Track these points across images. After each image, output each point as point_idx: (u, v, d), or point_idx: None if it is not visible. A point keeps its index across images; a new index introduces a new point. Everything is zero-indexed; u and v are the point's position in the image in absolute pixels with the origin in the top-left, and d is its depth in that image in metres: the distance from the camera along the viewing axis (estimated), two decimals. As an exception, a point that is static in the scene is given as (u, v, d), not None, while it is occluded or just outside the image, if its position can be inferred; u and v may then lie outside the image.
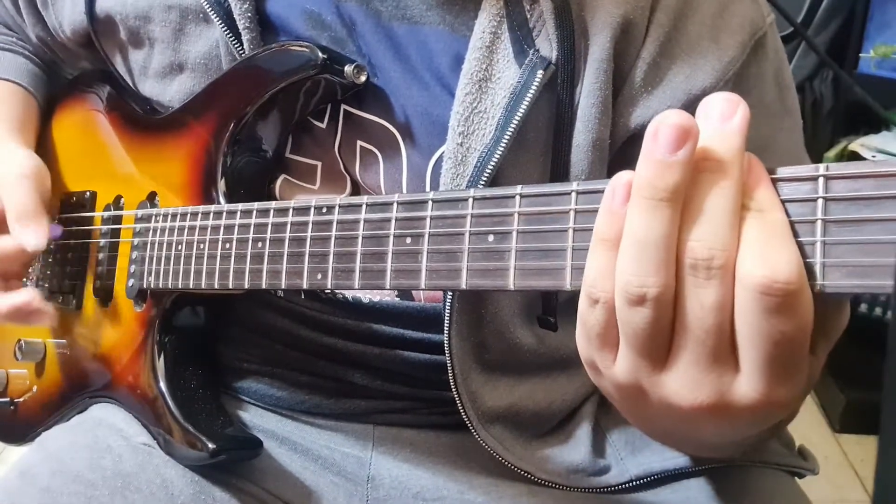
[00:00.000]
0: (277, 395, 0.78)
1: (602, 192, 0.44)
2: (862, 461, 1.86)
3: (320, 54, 0.66)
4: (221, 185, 0.71)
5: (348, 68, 0.66)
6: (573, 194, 0.45)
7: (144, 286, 0.74)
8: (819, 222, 0.38)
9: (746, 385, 0.41)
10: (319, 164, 0.73)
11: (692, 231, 0.40)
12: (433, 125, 0.67)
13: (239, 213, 0.65)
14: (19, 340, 0.86)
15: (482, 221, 0.49)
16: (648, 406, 0.45)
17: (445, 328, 0.66)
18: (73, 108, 0.90)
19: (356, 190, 0.73)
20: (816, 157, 0.41)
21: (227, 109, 0.71)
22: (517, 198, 0.47)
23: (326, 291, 0.74)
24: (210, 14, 0.71)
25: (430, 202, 0.51)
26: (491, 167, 0.62)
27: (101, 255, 0.80)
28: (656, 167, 0.40)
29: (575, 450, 0.74)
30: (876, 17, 1.75)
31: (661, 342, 0.42)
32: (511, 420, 0.73)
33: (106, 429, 0.74)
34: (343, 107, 0.70)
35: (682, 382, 0.42)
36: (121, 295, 0.77)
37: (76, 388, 0.82)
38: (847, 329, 0.52)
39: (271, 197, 0.74)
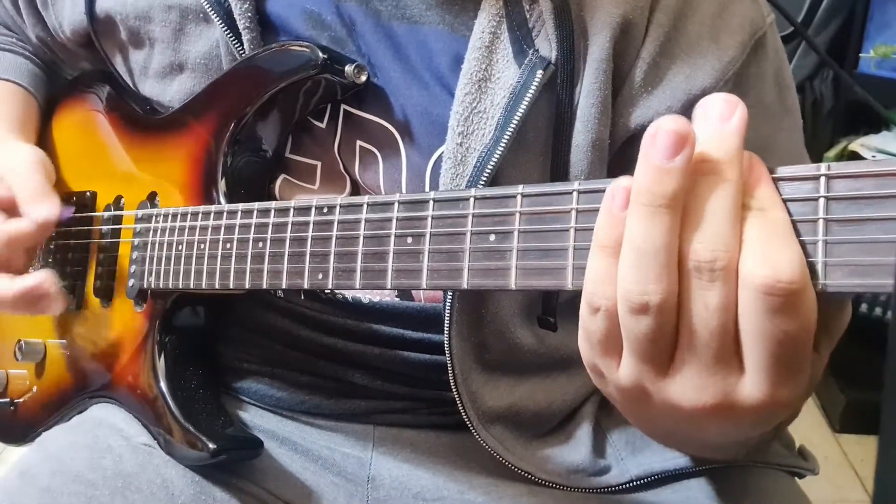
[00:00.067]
0: (277, 395, 0.78)
1: (603, 191, 0.44)
2: (862, 461, 1.86)
3: (320, 54, 0.66)
4: (222, 185, 0.71)
5: (349, 68, 0.66)
6: (574, 194, 0.45)
7: (145, 286, 0.74)
8: (821, 221, 0.38)
9: (751, 385, 0.41)
10: (319, 163, 0.73)
11: (694, 234, 0.40)
12: (433, 125, 0.67)
13: (239, 213, 0.65)
14: (19, 341, 0.86)
15: (483, 221, 0.49)
16: (652, 408, 0.45)
17: (446, 328, 0.66)
18: (72, 108, 0.90)
19: (356, 190, 0.73)
20: (816, 157, 0.41)
21: (227, 109, 0.71)
22: (518, 197, 0.47)
23: (326, 291, 0.74)
24: (210, 14, 0.71)
25: (432, 202, 0.51)
26: (490, 167, 0.62)
27: (101, 256, 0.80)
28: (654, 173, 0.40)
29: (575, 450, 0.74)
30: (876, 17, 1.75)
31: (664, 347, 0.42)
32: (511, 420, 0.73)
33: (106, 429, 0.74)
34: (343, 107, 0.70)
35: (687, 385, 0.42)
36: (121, 295, 0.77)
37: (76, 389, 0.82)
38: (847, 329, 0.52)
39: (271, 197, 0.74)
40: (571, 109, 0.65)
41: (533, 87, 0.63)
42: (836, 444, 1.93)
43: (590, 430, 0.76)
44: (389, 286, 0.53)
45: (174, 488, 0.68)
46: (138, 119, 0.81)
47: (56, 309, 0.77)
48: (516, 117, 0.63)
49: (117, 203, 0.80)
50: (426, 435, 0.76)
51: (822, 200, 0.38)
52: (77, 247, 0.82)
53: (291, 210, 0.60)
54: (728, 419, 0.43)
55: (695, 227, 0.40)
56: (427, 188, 0.68)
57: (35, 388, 0.86)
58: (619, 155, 0.69)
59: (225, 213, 0.66)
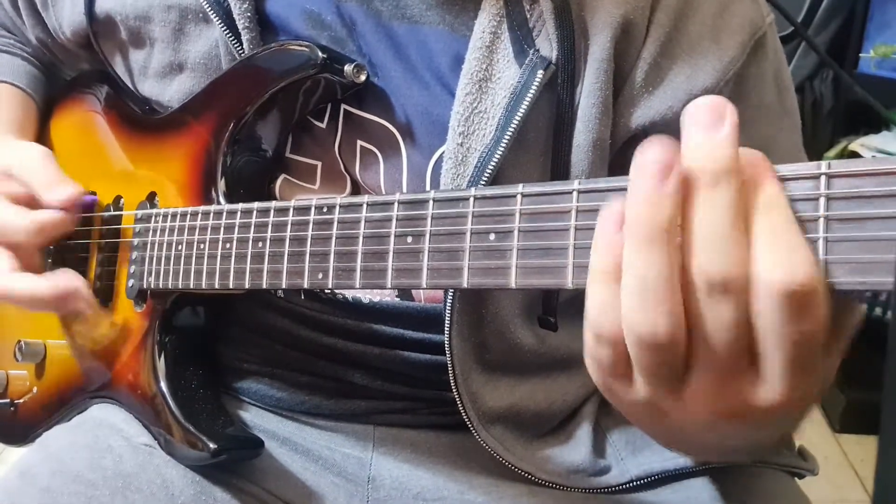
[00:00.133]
0: (277, 395, 0.78)
1: (603, 190, 0.44)
2: (862, 461, 1.86)
3: (320, 53, 0.66)
4: (221, 184, 0.71)
5: (348, 67, 0.66)
6: (574, 193, 0.45)
7: (144, 286, 0.74)
8: (822, 220, 0.38)
9: (768, 388, 0.40)
10: (319, 163, 0.73)
11: (699, 253, 0.39)
12: (433, 125, 0.67)
13: (239, 212, 0.65)
14: (19, 341, 0.86)
15: (483, 220, 0.49)
16: (668, 422, 0.45)
17: (446, 328, 0.66)
18: (71, 109, 0.90)
19: (356, 190, 0.73)
20: (816, 157, 0.41)
21: (226, 109, 0.71)
22: (518, 196, 0.47)
23: (326, 291, 0.74)
24: (210, 14, 0.71)
25: (431, 201, 0.51)
26: (491, 167, 0.62)
27: (101, 256, 0.80)
28: (646, 205, 0.39)
29: (575, 450, 0.74)
30: (876, 17, 1.75)
31: (677, 369, 0.41)
32: (511, 420, 0.73)
33: (106, 429, 0.74)
34: (343, 106, 0.70)
35: (702, 397, 0.42)
36: (121, 295, 0.77)
37: (76, 389, 0.82)
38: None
39: (271, 197, 0.74)
40: (572, 109, 0.65)
41: (534, 87, 0.63)
42: (836, 444, 1.93)
43: (590, 430, 0.76)
44: (389, 285, 0.53)
45: (174, 488, 0.68)
46: (137, 119, 0.81)
47: (87, 311, 0.76)
48: (517, 117, 0.63)
49: (117, 203, 0.80)
50: (426, 435, 0.76)
51: (822, 199, 0.37)
52: (77, 247, 0.82)
53: (291, 210, 0.60)
54: (745, 424, 0.43)
55: (699, 246, 0.39)
56: (428, 188, 0.68)
57: (35, 389, 0.86)
58: (620, 155, 0.69)
59: (224, 213, 0.66)
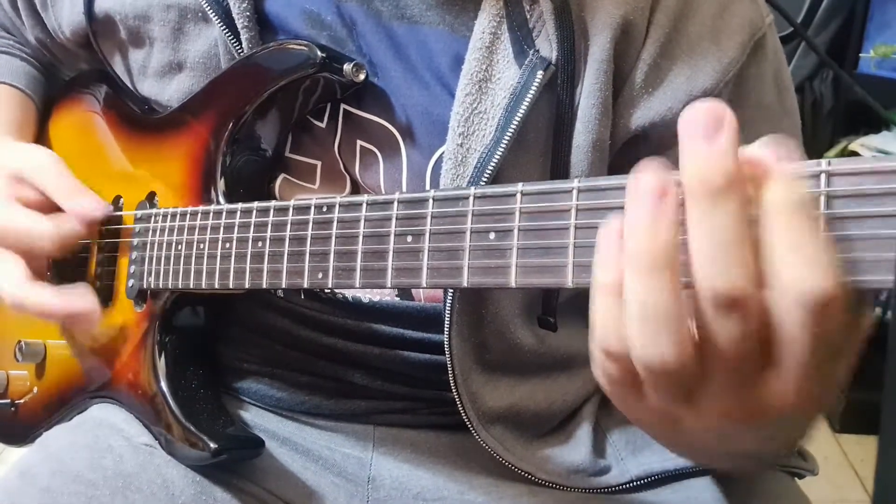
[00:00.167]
0: (277, 395, 0.78)
1: (604, 189, 0.43)
2: (862, 461, 1.86)
3: (319, 53, 0.66)
4: (221, 184, 0.71)
5: (347, 66, 0.66)
6: (574, 191, 0.45)
7: (144, 286, 0.74)
8: (822, 217, 0.38)
9: (784, 389, 0.39)
10: (319, 163, 0.73)
11: (705, 270, 0.37)
12: (433, 125, 0.67)
13: (239, 212, 0.65)
14: (19, 342, 0.86)
15: (483, 219, 0.49)
16: (679, 428, 0.44)
17: (445, 328, 0.66)
18: (70, 109, 0.90)
19: (356, 189, 0.73)
20: (816, 157, 0.41)
21: (226, 108, 0.71)
22: (518, 195, 0.47)
23: (326, 291, 0.74)
24: (209, 13, 0.71)
25: (431, 200, 0.51)
26: (491, 168, 0.62)
27: (100, 256, 0.80)
28: (643, 233, 0.38)
29: (575, 450, 0.74)
30: (876, 17, 1.75)
31: (689, 384, 0.40)
32: (511, 420, 0.72)
33: (107, 429, 0.74)
34: (343, 106, 0.70)
35: (717, 403, 0.41)
36: (121, 295, 0.77)
37: (77, 389, 0.82)
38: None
39: (271, 196, 0.74)
40: (572, 110, 0.65)
41: (533, 88, 0.63)
42: (836, 444, 1.93)
43: (590, 430, 0.76)
44: (389, 285, 0.53)
45: (175, 488, 0.68)
46: (136, 119, 0.81)
47: (92, 328, 0.77)
48: (517, 118, 0.63)
49: (116, 203, 0.80)
50: (426, 435, 0.76)
51: (822, 197, 0.37)
52: (76, 247, 0.82)
53: (291, 209, 0.60)
54: (759, 427, 0.42)
55: (704, 262, 0.37)
56: (427, 188, 0.68)
57: (35, 389, 0.86)
58: (620, 156, 0.69)
59: (224, 213, 0.66)
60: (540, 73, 0.63)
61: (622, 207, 0.43)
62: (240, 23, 0.70)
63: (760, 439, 0.46)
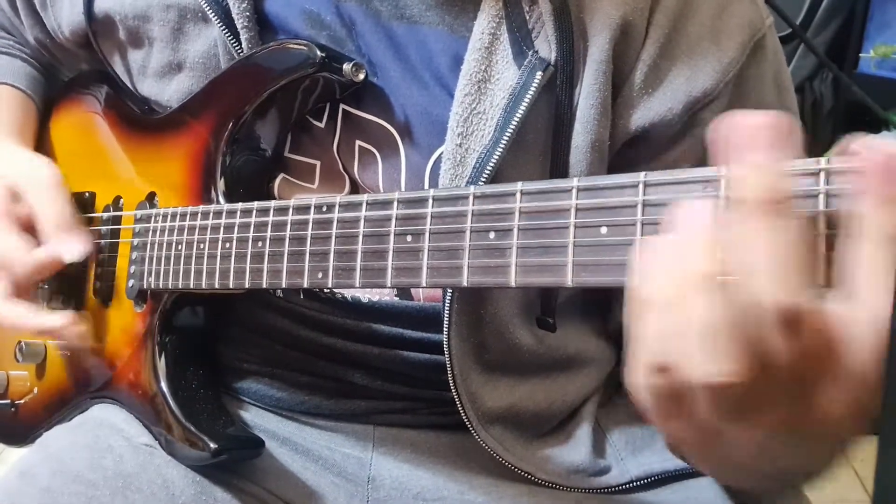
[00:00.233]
0: (277, 395, 0.78)
1: (603, 188, 0.43)
2: (862, 461, 1.85)
3: (318, 52, 0.66)
4: (221, 184, 0.71)
5: (347, 66, 0.66)
6: (574, 190, 0.45)
7: (144, 286, 0.74)
8: (821, 216, 0.38)
9: (842, 400, 0.38)
10: (318, 163, 0.73)
11: (771, 286, 0.35)
12: (432, 125, 0.67)
13: (239, 212, 0.65)
14: (20, 342, 0.86)
15: (483, 218, 0.49)
16: (720, 441, 0.42)
17: (445, 328, 0.66)
18: (70, 109, 0.90)
19: (355, 189, 0.73)
20: (816, 158, 0.41)
21: (225, 108, 0.71)
22: (518, 194, 0.47)
23: (326, 291, 0.74)
24: (208, 13, 0.71)
25: (431, 199, 0.51)
26: (490, 168, 0.62)
27: (101, 256, 0.80)
28: (704, 251, 0.37)
29: (575, 450, 0.74)
30: (876, 17, 1.74)
31: (745, 401, 0.38)
32: (511, 420, 0.72)
33: (107, 429, 0.74)
34: (342, 106, 0.70)
35: (770, 417, 0.39)
36: (121, 295, 0.77)
37: (77, 389, 0.82)
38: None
39: (270, 196, 0.74)
40: (571, 111, 0.65)
41: (532, 89, 0.63)
42: (836, 445, 1.92)
43: (590, 431, 0.75)
44: (389, 284, 0.53)
45: (175, 488, 0.68)
46: (136, 119, 0.81)
47: (79, 345, 0.80)
48: (516, 118, 0.63)
49: (116, 203, 0.80)
50: (426, 435, 0.76)
51: (822, 195, 0.37)
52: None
53: (291, 209, 0.60)
54: (809, 438, 0.41)
55: (770, 277, 0.35)
56: (426, 188, 0.68)
57: (36, 390, 0.86)
58: (619, 156, 0.69)
59: (224, 213, 0.66)
60: (539, 74, 0.63)
61: (621, 207, 0.43)
62: (239, 23, 0.70)
63: (803, 453, 0.44)
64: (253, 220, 0.63)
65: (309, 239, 0.58)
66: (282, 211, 0.61)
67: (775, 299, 0.35)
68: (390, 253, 0.53)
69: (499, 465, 0.71)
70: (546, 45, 0.64)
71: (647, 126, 0.67)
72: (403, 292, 0.73)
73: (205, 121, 0.73)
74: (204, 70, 0.74)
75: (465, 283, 0.49)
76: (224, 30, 0.70)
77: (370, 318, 0.73)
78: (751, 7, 0.69)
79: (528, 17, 0.65)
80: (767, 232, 0.35)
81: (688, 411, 0.40)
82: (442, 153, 0.66)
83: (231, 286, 0.65)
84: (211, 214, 0.67)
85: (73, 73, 0.93)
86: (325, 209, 0.58)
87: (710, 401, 0.38)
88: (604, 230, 0.43)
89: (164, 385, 0.72)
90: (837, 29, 1.74)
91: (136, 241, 0.75)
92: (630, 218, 0.42)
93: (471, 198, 0.49)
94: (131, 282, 0.75)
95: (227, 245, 0.65)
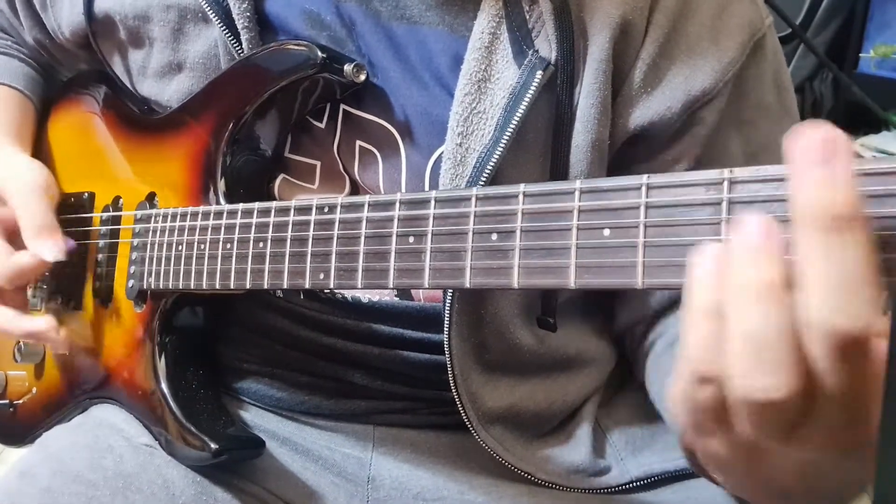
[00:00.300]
0: (277, 395, 0.78)
1: (605, 190, 0.43)
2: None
3: (319, 53, 0.65)
4: (221, 184, 0.71)
5: (348, 67, 0.66)
6: (577, 192, 0.45)
7: (144, 287, 0.74)
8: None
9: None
10: (318, 163, 0.73)
11: (827, 307, 0.33)
12: (432, 125, 0.67)
13: (240, 213, 0.65)
14: (18, 342, 0.86)
15: (485, 220, 0.48)
16: (763, 462, 0.41)
17: (445, 329, 0.66)
18: (68, 109, 0.89)
19: (355, 190, 0.73)
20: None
21: (226, 109, 0.71)
22: (520, 196, 0.47)
23: (326, 291, 0.73)
24: (209, 13, 0.71)
25: (433, 201, 0.51)
26: (490, 167, 0.62)
27: (100, 256, 0.80)
28: (750, 262, 0.36)
29: (575, 450, 0.74)
30: (876, 17, 1.74)
31: (795, 420, 0.37)
32: (511, 421, 0.72)
33: (107, 429, 0.74)
34: (342, 107, 0.70)
35: (819, 438, 0.37)
36: (121, 296, 0.77)
37: (76, 390, 0.82)
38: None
39: (270, 196, 0.74)
40: (571, 110, 0.65)
41: (532, 88, 0.63)
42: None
43: (590, 431, 0.76)
44: (391, 285, 0.53)
45: (175, 488, 0.68)
46: (136, 119, 0.81)
47: (61, 350, 0.81)
48: (516, 118, 0.63)
49: (116, 204, 0.80)
50: (426, 435, 0.76)
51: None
52: (80, 247, 0.82)
53: (292, 210, 0.60)
54: (858, 459, 0.38)
55: (826, 298, 0.34)
56: (427, 188, 0.68)
57: (34, 390, 0.86)
58: (619, 155, 0.69)
59: (225, 213, 0.66)
60: (539, 74, 0.63)
61: (624, 209, 0.43)
62: (240, 23, 0.70)
63: (851, 475, 0.41)
64: (254, 220, 0.63)
65: (311, 240, 0.58)
66: (283, 212, 0.61)
67: (832, 321, 0.33)
68: (392, 254, 0.53)
69: (499, 465, 0.71)
70: (546, 45, 0.64)
71: (646, 125, 0.67)
72: (403, 292, 0.73)
73: (205, 121, 0.73)
74: (204, 70, 0.74)
75: (467, 285, 0.49)
76: (224, 30, 0.70)
77: (370, 319, 0.73)
78: (751, 7, 0.69)
79: (528, 17, 0.65)
80: (830, 249, 0.33)
81: (728, 428, 0.39)
82: (442, 153, 0.66)
83: (232, 287, 0.65)
84: (212, 215, 0.67)
85: (71, 74, 0.93)
86: (326, 210, 0.57)
87: (752, 418, 0.37)
88: (606, 232, 0.43)
89: (164, 385, 0.72)
90: (837, 29, 1.74)
91: (135, 241, 0.75)
92: (633, 220, 0.42)
93: (473, 199, 0.49)
94: (131, 282, 0.75)
95: (228, 246, 0.65)
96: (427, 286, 0.51)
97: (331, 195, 0.73)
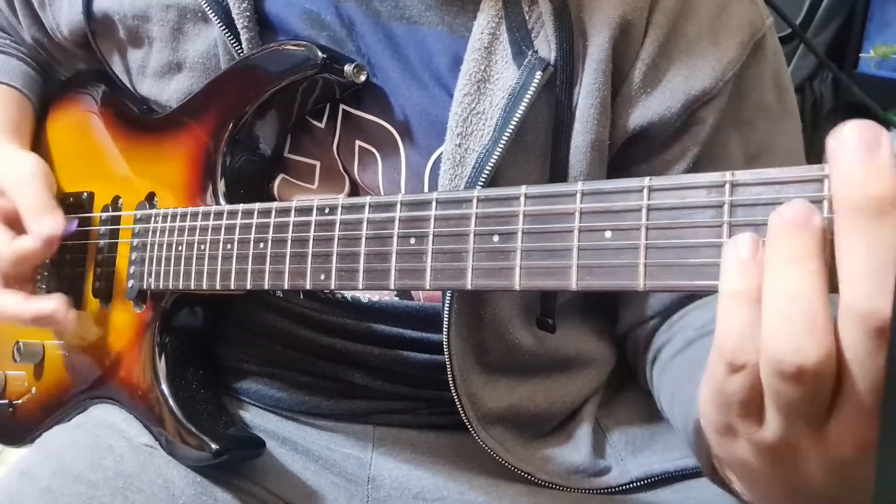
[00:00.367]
0: (277, 395, 0.78)
1: (607, 192, 0.43)
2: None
3: (320, 53, 0.65)
4: (221, 185, 0.71)
5: (348, 67, 0.66)
6: (578, 194, 0.45)
7: (144, 287, 0.74)
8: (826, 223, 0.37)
9: None
10: (318, 163, 0.73)
11: (863, 291, 0.34)
12: (432, 125, 0.67)
13: (240, 213, 0.65)
14: (17, 342, 0.86)
15: (487, 221, 0.48)
16: (802, 467, 0.40)
17: (444, 329, 0.66)
18: (67, 108, 0.89)
19: (355, 190, 0.73)
20: (817, 159, 0.41)
21: (226, 109, 0.71)
22: (522, 198, 0.47)
23: (326, 291, 0.73)
24: (208, 13, 0.71)
25: (435, 202, 0.51)
26: (489, 168, 0.63)
27: (100, 257, 0.80)
28: (787, 233, 0.36)
29: (575, 450, 0.74)
30: (876, 17, 1.73)
31: (823, 404, 0.37)
32: (511, 421, 0.73)
33: (107, 429, 0.74)
34: (342, 107, 0.70)
35: (853, 432, 0.37)
36: (120, 296, 0.77)
37: (75, 390, 0.82)
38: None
39: (270, 196, 0.74)
40: (570, 110, 0.65)
41: (532, 89, 0.63)
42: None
43: (590, 431, 0.76)
44: (393, 286, 0.53)
45: (175, 489, 0.68)
46: (135, 119, 0.81)
47: (68, 331, 0.78)
48: (515, 118, 0.63)
49: (115, 204, 0.80)
50: (426, 435, 0.76)
51: (826, 202, 0.37)
52: (75, 247, 0.82)
53: (293, 210, 0.60)
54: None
55: (862, 281, 0.34)
56: (426, 189, 0.68)
57: (34, 390, 0.86)
58: (619, 156, 0.69)
59: (225, 214, 0.66)
60: (538, 74, 0.63)
61: (626, 210, 0.43)
62: (240, 23, 0.70)
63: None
64: (254, 221, 0.63)
65: (311, 241, 0.58)
66: (284, 212, 0.61)
67: (870, 305, 0.34)
68: (394, 255, 0.53)
69: (499, 465, 0.71)
70: (546, 45, 0.64)
71: (645, 125, 0.67)
72: (403, 292, 0.73)
73: (205, 121, 0.73)
74: (204, 70, 0.74)
75: (469, 286, 0.49)
76: (224, 30, 0.70)
77: (370, 319, 0.73)
78: (751, 7, 0.70)
79: (527, 17, 0.65)
80: (868, 233, 0.34)
81: (759, 423, 0.39)
82: (441, 153, 0.66)
83: (232, 287, 0.65)
84: (212, 215, 0.67)
85: (70, 73, 0.93)
86: (327, 211, 0.57)
87: (782, 401, 0.37)
88: (608, 234, 0.43)
89: (164, 386, 0.72)
90: (837, 29, 1.73)
91: (135, 241, 0.75)
92: (635, 222, 0.42)
93: (475, 201, 0.49)
94: (131, 282, 0.75)
95: (229, 246, 0.65)
96: (428, 287, 0.51)
97: (330, 195, 0.73)
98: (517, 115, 0.63)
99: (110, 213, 0.80)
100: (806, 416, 0.37)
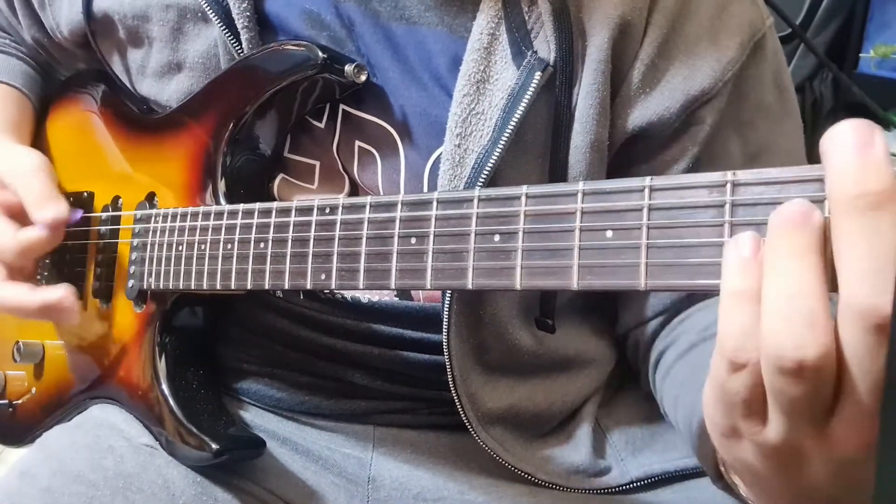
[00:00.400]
0: (277, 395, 0.78)
1: (608, 192, 0.43)
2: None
3: (320, 53, 0.65)
4: (221, 185, 0.71)
5: (349, 68, 0.66)
6: (579, 194, 0.45)
7: (144, 287, 0.74)
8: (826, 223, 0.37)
9: None
10: (318, 163, 0.73)
11: (861, 289, 0.34)
12: (431, 126, 0.67)
13: (240, 213, 0.65)
14: (17, 342, 0.86)
15: (488, 221, 0.48)
16: (807, 469, 0.40)
17: (444, 329, 0.66)
18: (67, 108, 0.89)
19: (354, 190, 0.73)
20: (817, 158, 0.40)
21: (226, 109, 0.71)
22: (523, 197, 0.47)
23: (326, 291, 0.73)
24: (208, 13, 0.71)
25: (435, 202, 0.51)
26: (489, 168, 0.63)
27: (100, 256, 0.80)
28: (787, 231, 0.36)
29: (575, 451, 0.74)
30: (876, 17, 1.73)
31: (825, 402, 0.37)
32: (511, 421, 0.73)
33: (107, 429, 0.74)
34: (342, 107, 0.70)
35: (856, 430, 0.37)
36: (121, 296, 0.77)
37: (75, 390, 0.82)
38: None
39: (269, 196, 0.74)
40: (570, 111, 0.65)
41: (531, 89, 0.63)
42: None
43: (590, 431, 0.76)
44: (393, 286, 0.53)
45: (175, 489, 0.68)
46: (135, 119, 0.81)
47: (73, 322, 0.77)
48: (514, 119, 0.63)
49: (115, 203, 0.80)
50: (426, 435, 0.76)
51: (827, 202, 0.37)
52: (75, 247, 0.82)
53: (293, 210, 0.60)
54: None
55: (860, 279, 0.34)
56: (425, 189, 0.68)
57: (34, 390, 0.86)
58: (619, 156, 0.69)
59: (225, 214, 0.66)
60: (538, 75, 0.63)
61: (627, 210, 0.43)
62: (240, 23, 0.70)
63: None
64: (255, 221, 0.63)
65: (312, 241, 0.58)
66: (284, 212, 0.61)
67: (869, 302, 0.33)
68: (394, 255, 0.53)
69: (499, 465, 0.71)
70: (545, 46, 0.64)
71: (645, 125, 0.67)
72: (403, 293, 0.73)
73: (205, 121, 0.73)
74: (204, 70, 0.74)
75: (469, 286, 0.49)
76: (224, 30, 0.70)
77: (370, 319, 0.73)
78: (751, 7, 0.70)
79: (527, 18, 0.65)
80: (865, 230, 0.34)
81: (762, 423, 0.39)
82: (441, 154, 0.66)
83: (233, 287, 0.65)
84: (212, 215, 0.67)
85: (70, 73, 0.93)
86: (328, 211, 0.57)
87: (784, 398, 0.37)
88: (609, 234, 0.43)
89: (164, 386, 0.72)
90: (837, 29, 1.73)
91: (135, 241, 0.75)
92: (636, 222, 0.42)
93: (475, 200, 0.49)
94: (131, 282, 0.75)
95: (229, 246, 0.65)
96: (429, 287, 0.51)
97: (330, 195, 0.73)
98: (516, 115, 0.63)
99: (110, 213, 0.80)
100: (808, 414, 0.37)
